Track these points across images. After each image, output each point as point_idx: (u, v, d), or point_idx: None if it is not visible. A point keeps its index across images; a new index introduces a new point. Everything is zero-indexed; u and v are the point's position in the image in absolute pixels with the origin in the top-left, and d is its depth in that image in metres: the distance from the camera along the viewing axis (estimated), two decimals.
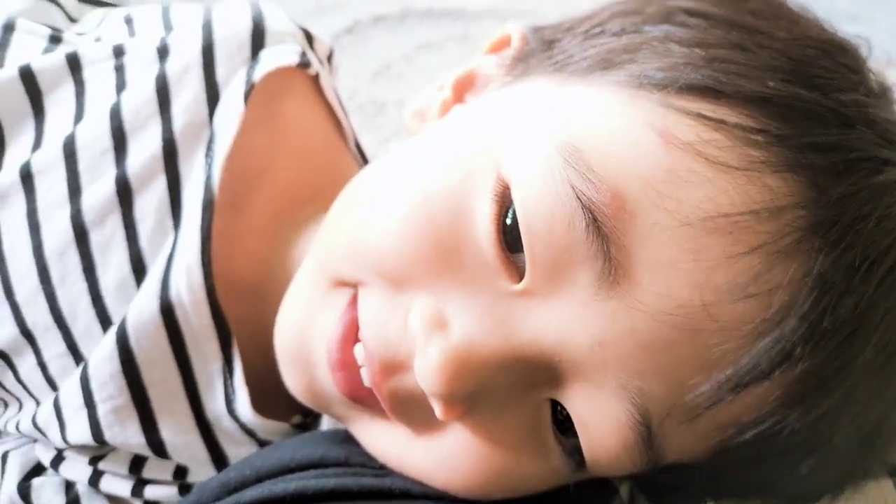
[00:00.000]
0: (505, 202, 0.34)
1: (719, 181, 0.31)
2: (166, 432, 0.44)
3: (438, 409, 0.34)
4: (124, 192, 0.42)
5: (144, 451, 0.44)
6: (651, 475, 0.36)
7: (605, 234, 0.31)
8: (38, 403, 0.45)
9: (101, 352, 0.42)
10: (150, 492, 0.46)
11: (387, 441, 0.39)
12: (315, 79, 0.49)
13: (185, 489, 0.46)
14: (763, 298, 0.31)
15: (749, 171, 0.31)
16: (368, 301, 0.37)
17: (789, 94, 0.33)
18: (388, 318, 0.36)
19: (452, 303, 0.34)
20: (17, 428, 0.46)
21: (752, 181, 0.31)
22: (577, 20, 0.42)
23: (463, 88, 0.44)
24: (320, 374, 0.39)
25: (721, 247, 0.31)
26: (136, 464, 0.45)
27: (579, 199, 0.32)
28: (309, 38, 0.50)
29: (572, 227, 0.32)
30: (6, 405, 0.48)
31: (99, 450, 0.45)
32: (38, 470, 0.48)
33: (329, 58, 0.52)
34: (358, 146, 0.53)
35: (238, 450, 0.45)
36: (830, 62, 0.35)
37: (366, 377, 0.36)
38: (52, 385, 0.44)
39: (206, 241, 0.42)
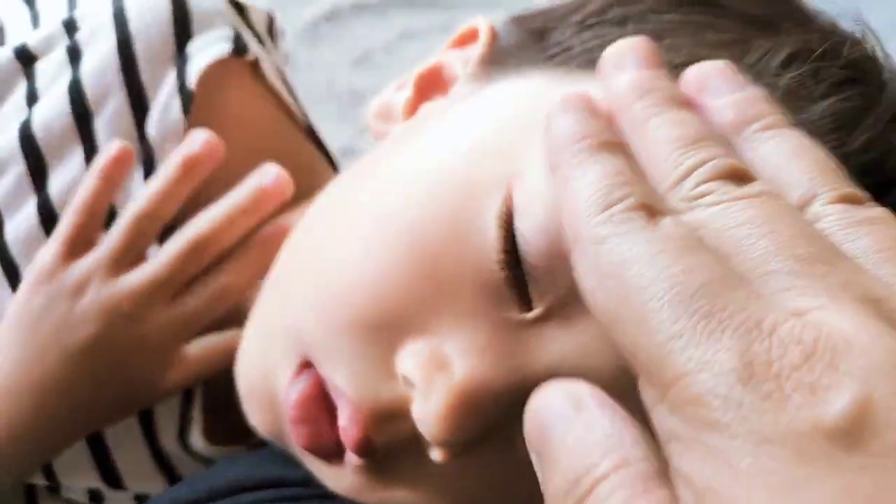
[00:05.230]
0: (512, 221, 0.29)
1: None
2: (121, 463, 0.42)
3: (438, 455, 0.30)
4: (50, 223, 0.39)
5: (98, 484, 0.42)
6: None
7: None
8: None
9: None
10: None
11: (357, 484, 0.33)
12: (255, 64, 0.44)
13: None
14: None
15: None
16: (336, 372, 0.31)
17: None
18: (367, 372, 0.30)
19: (451, 339, 0.29)
20: None
21: None
22: (567, 7, 0.37)
23: (427, 86, 0.38)
24: (284, 418, 0.34)
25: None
26: (94, 497, 0.43)
27: None
28: (241, 10, 0.44)
29: None
30: None
31: None
32: None
33: (270, 28, 0.47)
34: (311, 129, 0.48)
35: None
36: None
37: (345, 438, 0.31)
38: None
39: None
